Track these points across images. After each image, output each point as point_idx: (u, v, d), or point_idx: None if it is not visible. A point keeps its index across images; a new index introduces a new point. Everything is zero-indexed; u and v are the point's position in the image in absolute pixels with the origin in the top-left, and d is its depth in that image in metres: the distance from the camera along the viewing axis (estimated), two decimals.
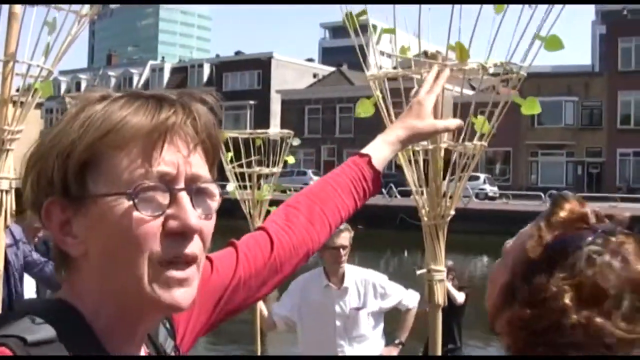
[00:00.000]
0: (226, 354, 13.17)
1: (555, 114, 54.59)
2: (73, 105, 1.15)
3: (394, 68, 3.34)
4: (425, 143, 3.16)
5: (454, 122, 1.97)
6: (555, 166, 56.95)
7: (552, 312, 1.31)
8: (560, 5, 3.02)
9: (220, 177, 1.43)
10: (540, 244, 1.40)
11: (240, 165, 6.20)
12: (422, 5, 3.11)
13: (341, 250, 5.45)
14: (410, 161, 3.20)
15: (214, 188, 1.18)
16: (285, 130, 6.30)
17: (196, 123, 1.16)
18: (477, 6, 3.07)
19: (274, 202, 5.61)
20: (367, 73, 3.27)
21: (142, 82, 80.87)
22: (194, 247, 1.13)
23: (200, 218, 1.13)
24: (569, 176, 56.27)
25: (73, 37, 3.37)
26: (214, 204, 1.18)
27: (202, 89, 1.22)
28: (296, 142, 6.52)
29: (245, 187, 6.16)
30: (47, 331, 1.04)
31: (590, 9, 78.84)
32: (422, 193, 3.20)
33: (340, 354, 5.50)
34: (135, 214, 1.07)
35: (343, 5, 3.11)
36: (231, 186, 6.06)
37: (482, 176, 47.64)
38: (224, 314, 1.51)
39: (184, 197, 1.11)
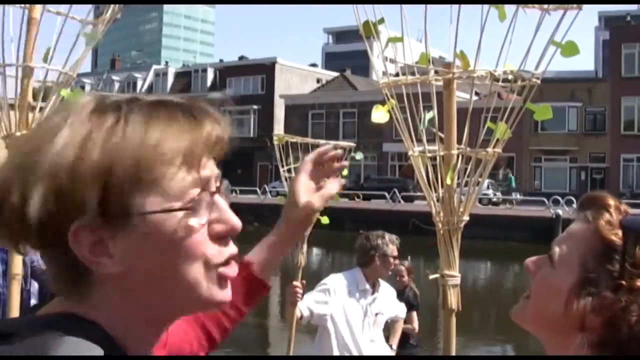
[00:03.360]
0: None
1: (558, 120, 54.53)
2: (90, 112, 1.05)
3: (399, 74, 3.37)
4: (436, 149, 3.17)
5: (332, 189, 1.75)
6: (559, 172, 56.95)
7: None
8: (575, 11, 3.03)
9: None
10: (613, 227, 1.51)
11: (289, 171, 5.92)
12: (429, 8, 3.13)
13: (395, 260, 6.09)
14: (425, 166, 3.21)
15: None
16: (349, 143, 6.13)
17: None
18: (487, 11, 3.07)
19: (324, 212, 5.58)
20: (380, 80, 3.28)
21: (145, 86, 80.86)
22: (234, 245, 1.13)
23: None
24: (573, 182, 56.25)
25: (96, 43, 3.42)
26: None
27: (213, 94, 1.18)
28: (359, 155, 6.39)
29: None
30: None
31: (593, 15, 78.96)
32: (436, 199, 3.20)
33: (361, 353, 5.95)
34: (191, 222, 1.05)
35: (358, 7, 3.11)
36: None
37: (486, 181, 47.47)
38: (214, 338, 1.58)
39: (219, 199, 1.10)
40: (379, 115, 3.16)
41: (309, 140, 5.97)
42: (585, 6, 3.07)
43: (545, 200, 41.51)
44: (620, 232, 1.49)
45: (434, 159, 3.16)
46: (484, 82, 3.09)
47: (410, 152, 3.22)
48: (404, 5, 3.14)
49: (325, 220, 5.47)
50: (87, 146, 1.00)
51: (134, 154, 1.01)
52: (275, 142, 5.97)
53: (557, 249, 1.56)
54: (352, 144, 6.03)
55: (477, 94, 3.62)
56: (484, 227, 30.90)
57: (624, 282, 1.44)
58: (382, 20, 3.08)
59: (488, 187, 46.96)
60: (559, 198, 41.44)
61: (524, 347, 15.50)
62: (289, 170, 5.89)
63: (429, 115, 3.18)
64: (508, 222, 36.34)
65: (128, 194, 1.01)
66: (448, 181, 3.10)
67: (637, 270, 1.44)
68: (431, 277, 3.25)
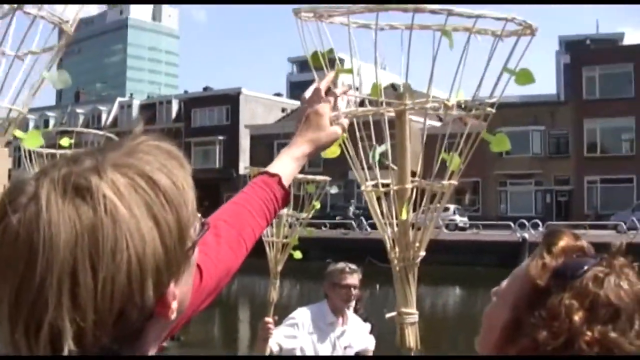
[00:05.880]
0: None
1: (522, 144, 54.99)
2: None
3: (360, 103, 3.27)
4: (389, 182, 3.08)
5: (345, 122, 2.03)
6: (524, 195, 57.35)
7: (565, 331, 1.33)
8: (529, 37, 2.96)
9: None
10: (546, 270, 1.43)
11: None
12: (382, 34, 3.05)
13: (352, 289, 5.77)
14: (378, 199, 3.10)
15: None
16: (324, 177, 5.97)
17: None
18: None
19: (297, 247, 5.47)
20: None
21: (110, 119, 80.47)
22: None
23: None
24: (538, 205, 56.67)
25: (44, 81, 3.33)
26: None
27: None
28: (334, 190, 6.19)
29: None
30: None
31: (554, 39, 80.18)
32: (390, 234, 3.09)
33: None
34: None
35: (313, 37, 3.01)
36: None
37: (452, 207, 47.67)
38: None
39: None
40: (329, 151, 3.04)
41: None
42: (545, 31, 3.00)
43: (511, 224, 41.71)
44: (548, 276, 1.42)
45: (387, 193, 3.05)
46: (436, 112, 2.99)
47: (362, 187, 3.10)
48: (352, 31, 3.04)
49: (297, 255, 5.36)
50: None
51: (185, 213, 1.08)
52: (249, 174, 5.78)
53: (503, 284, 1.53)
54: (327, 178, 5.90)
55: (440, 119, 3.55)
56: (452, 253, 30.93)
57: (542, 331, 1.37)
58: (331, 52, 2.96)
59: (454, 213, 47.11)
60: (525, 222, 41.69)
61: None
62: None
63: (380, 148, 3.08)
64: (475, 247, 36.42)
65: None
66: (403, 216, 2.98)
67: (550, 322, 1.35)
68: (388, 315, 3.13)
